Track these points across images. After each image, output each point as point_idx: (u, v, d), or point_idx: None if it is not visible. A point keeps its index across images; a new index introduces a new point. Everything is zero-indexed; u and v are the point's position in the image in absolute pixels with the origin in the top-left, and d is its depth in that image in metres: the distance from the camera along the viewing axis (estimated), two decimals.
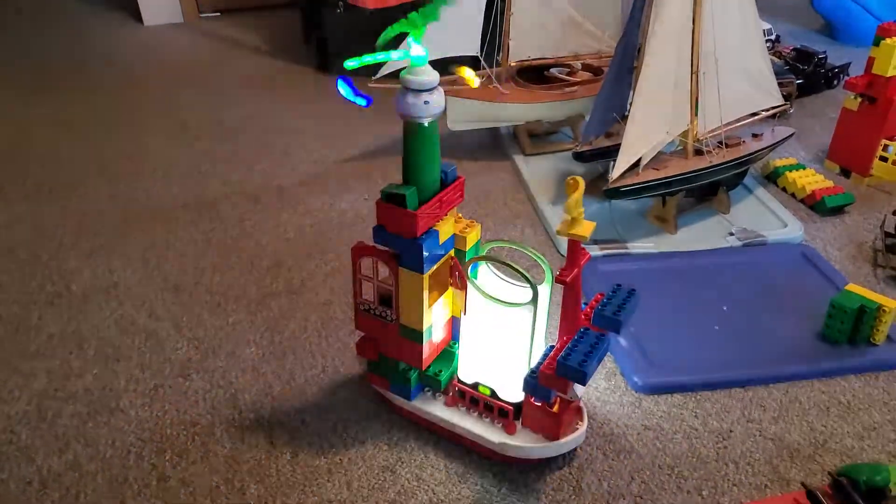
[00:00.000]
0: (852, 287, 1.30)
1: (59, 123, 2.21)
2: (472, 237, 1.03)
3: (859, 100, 1.79)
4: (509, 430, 1.04)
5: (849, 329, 1.26)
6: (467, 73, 0.96)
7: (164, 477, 1.04)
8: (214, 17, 3.28)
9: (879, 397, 1.19)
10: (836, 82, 2.39)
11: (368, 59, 0.85)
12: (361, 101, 0.88)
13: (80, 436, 1.11)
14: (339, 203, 1.75)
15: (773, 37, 2.61)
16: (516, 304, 0.98)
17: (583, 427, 1.05)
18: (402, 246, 0.95)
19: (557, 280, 0.93)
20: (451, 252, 1.02)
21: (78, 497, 1.01)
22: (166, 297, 1.42)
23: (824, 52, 2.37)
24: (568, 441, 1.03)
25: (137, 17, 3.15)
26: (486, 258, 1.03)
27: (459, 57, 1.75)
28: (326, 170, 1.92)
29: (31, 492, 1.02)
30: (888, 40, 1.67)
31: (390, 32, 0.83)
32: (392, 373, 1.09)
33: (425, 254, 0.94)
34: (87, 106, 2.34)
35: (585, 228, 0.91)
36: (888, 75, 1.69)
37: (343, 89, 0.88)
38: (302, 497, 1.01)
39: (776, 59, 2.28)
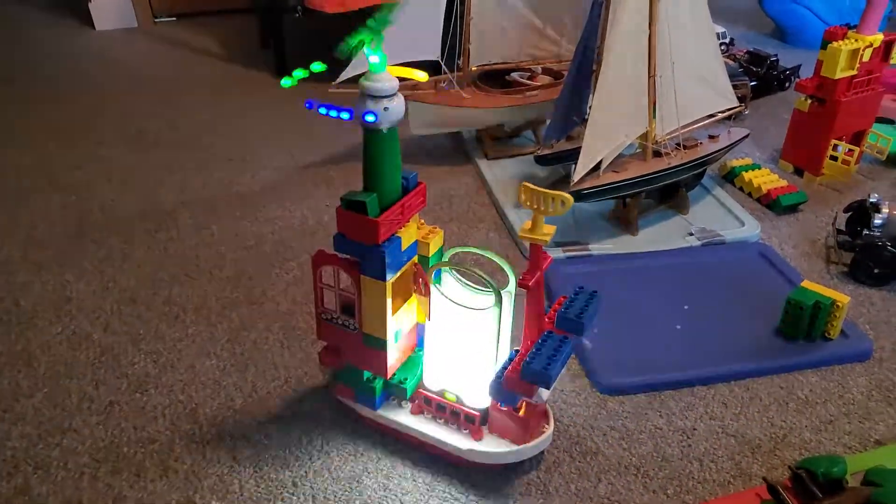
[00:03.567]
0: (807, 284, 1.32)
1: (6, 132, 2.14)
2: (435, 243, 1.02)
3: (809, 101, 1.84)
4: (476, 436, 1.04)
5: (805, 325, 1.29)
6: (418, 74, 0.95)
7: (121, 497, 1.01)
8: (170, 21, 3.22)
9: (835, 391, 1.22)
10: (787, 84, 2.46)
11: (299, 73, 0.86)
12: (345, 115, 0.88)
13: (30, 458, 1.07)
14: (300, 210, 1.73)
15: (726, 40, 2.67)
16: (480, 309, 0.97)
17: (549, 430, 1.05)
18: (363, 254, 0.94)
19: (520, 284, 0.93)
20: (415, 258, 1.01)
21: None
22: (123, 310, 1.38)
23: (776, 55, 2.44)
24: (534, 445, 1.03)
25: (89, 23, 3.07)
26: (450, 265, 1.02)
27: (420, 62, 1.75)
28: (286, 176, 1.90)
29: None
30: (835, 44, 1.72)
31: (351, 43, 0.82)
32: (357, 382, 1.08)
33: (387, 261, 0.93)
34: (35, 114, 2.27)
35: (546, 232, 0.91)
36: (836, 77, 1.74)
37: (322, 111, 0.88)
38: None
39: (730, 62, 2.33)
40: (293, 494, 1.02)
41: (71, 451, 1.08)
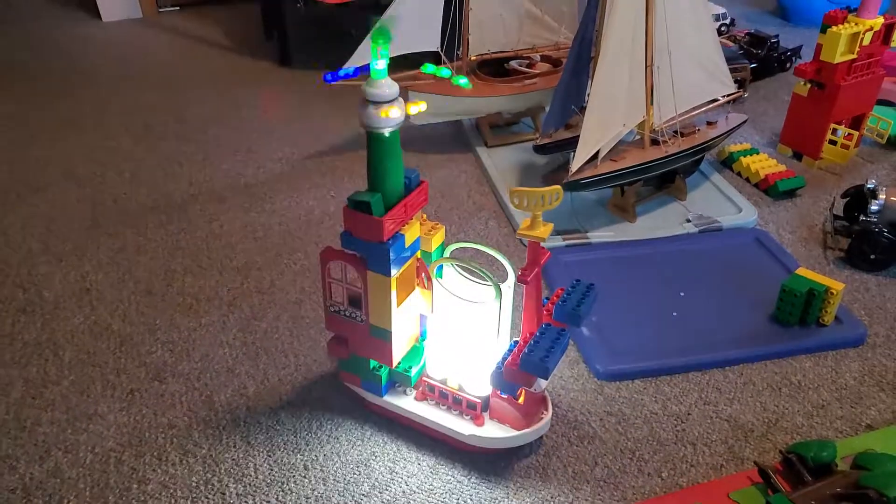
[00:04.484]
0: (802, 271, 1.36)
1: (22, 125, 2.18)
2: (437, 239, 1.06)
3: (809, 85, 1.85)
4: (478, 422, 1.09)
5: (799, 312, 1.32)
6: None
7: (145, 480, 1.07)
8: (173, 11, 3.23)
9: (828, 376, 1.26)
10: (788, 65, 2.46)
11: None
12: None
13: (60, 443, 1.13)
14: (306, 200, 1.77)
15: (727, 21, 2.66)
16: (480, 302, 1.02)
17: (548, 416, 1.10)
18: (369, 250, 0.98)
19: (519, 280, 0.97)
20: (418, 254, 1.05)
21: (61, 503, 1.04)
22: (139, 301, 1.43)
23: (776, 36, 2.44)
24: (534, 430, 1.08)
25: (95, 14, 3.09)
26: (452, 260, 1.06)
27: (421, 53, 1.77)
28: (292, 167, 1.94)
29: (16, 500, 1.04)
30: (834, 28, 1.73)
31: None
32: (363, 370, 1.13)
33: (392, 257, 0.97)
34: (48, 107, 2.30)
35: (544, 230, 0.95)
36: (835, 62, 1.75)
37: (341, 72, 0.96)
38: (280, 494, 1.05)
39: (730, 44, 2.33)
40: (304, 477, 1.07)
41: (97, 436, 1.14)
